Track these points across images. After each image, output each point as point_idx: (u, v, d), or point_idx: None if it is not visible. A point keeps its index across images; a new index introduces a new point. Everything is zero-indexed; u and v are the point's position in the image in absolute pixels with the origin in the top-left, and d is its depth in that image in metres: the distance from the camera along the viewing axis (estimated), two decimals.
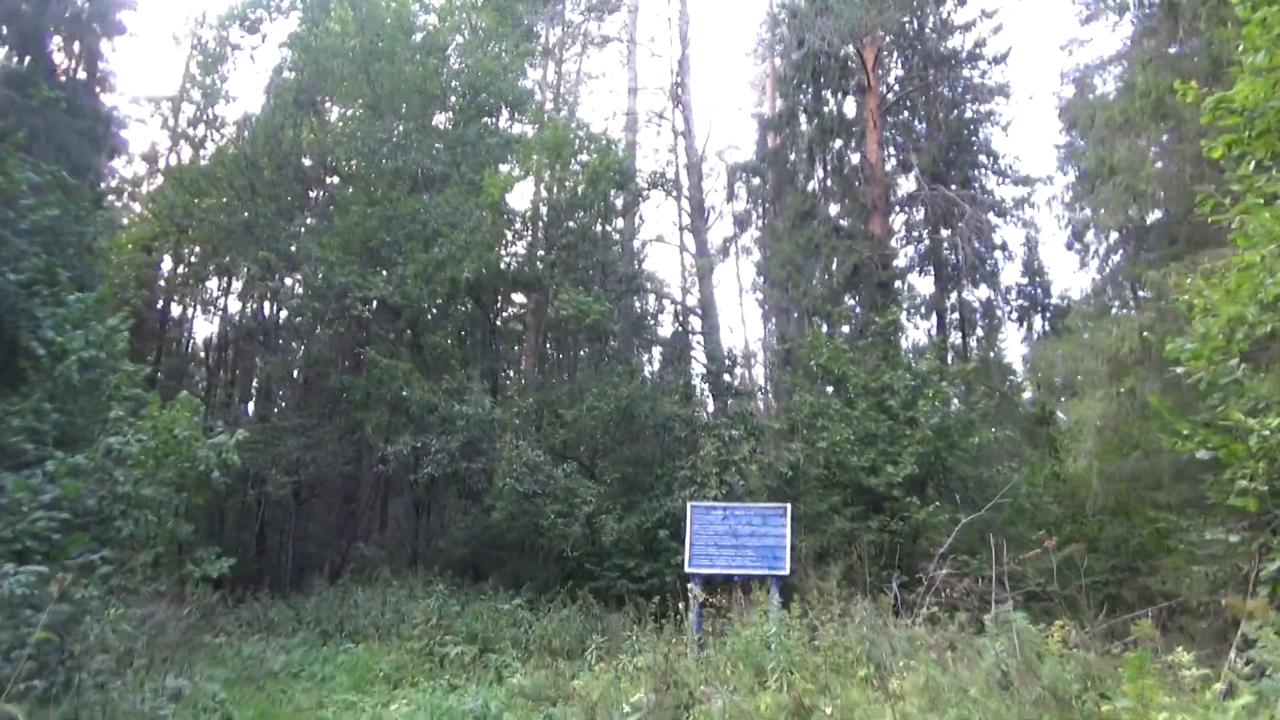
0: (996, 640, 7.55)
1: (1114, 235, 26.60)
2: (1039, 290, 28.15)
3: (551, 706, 8.13)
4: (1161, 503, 13.06)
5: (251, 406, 25.15)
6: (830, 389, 16.95)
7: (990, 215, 23.94)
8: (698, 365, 21.98)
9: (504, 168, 21.16)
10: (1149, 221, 10.42)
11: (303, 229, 21.23)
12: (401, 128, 21.13)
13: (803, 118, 23.96)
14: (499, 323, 22.93)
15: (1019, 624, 7.70)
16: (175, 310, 25.41)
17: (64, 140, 13.62)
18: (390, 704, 8.80)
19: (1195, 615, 10.63)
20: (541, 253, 21.21)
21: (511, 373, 23.16)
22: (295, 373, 22.43)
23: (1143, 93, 9.86)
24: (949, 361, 20.31)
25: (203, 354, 26.15)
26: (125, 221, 22.22)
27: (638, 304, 24.26)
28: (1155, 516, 12.54)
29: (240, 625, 13.59)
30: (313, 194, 23.62)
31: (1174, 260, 9.28)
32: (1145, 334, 8.56)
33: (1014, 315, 28.40)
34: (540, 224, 22.76)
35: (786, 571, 11.71)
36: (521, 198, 24.10)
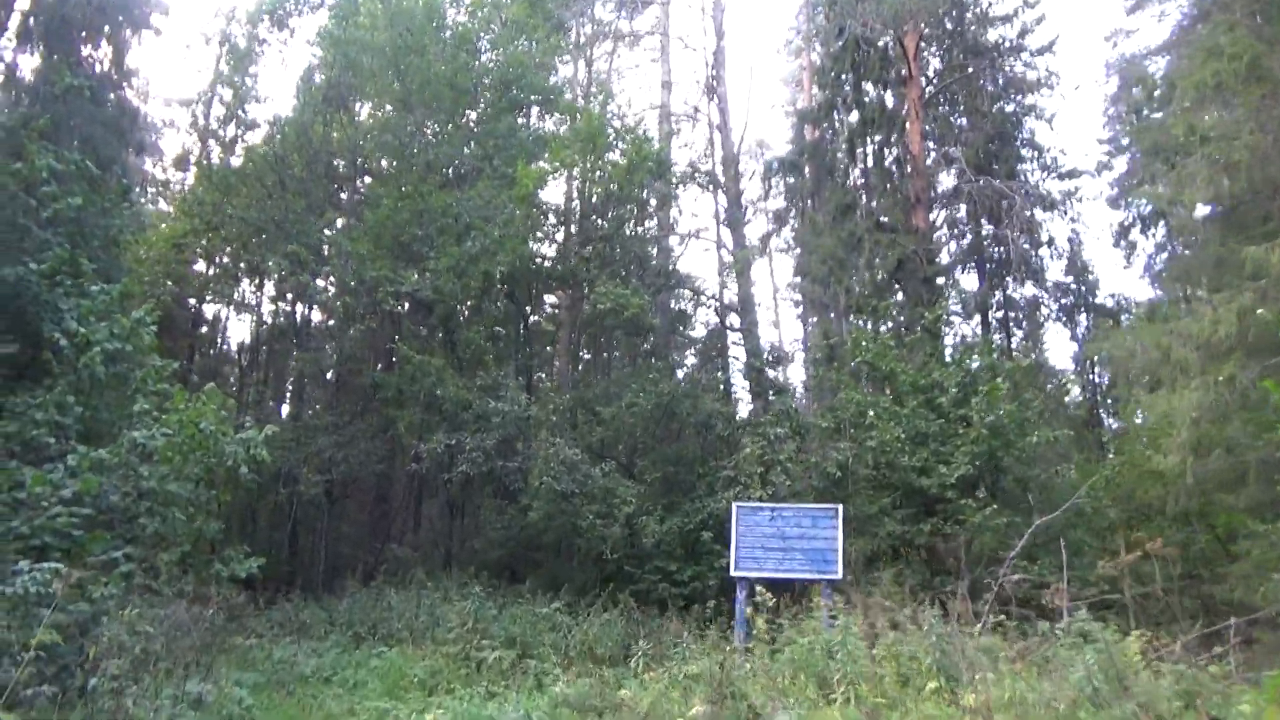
0: (1084, 652, 6.91)
1: (1163, 226, 25.94)
2: (1083, 288, 27.41)
3: (598, 717, 7.56)
4: (1231, 506, 12.25)
5: (285, 408, 24.94)
6: (870, 388, 16.28)
7: (1036, 210, 23.19)
8: (736, 364, 21.46)
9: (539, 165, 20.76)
10: (1238, 196, 9.65)
11: (332, 228, 20.97)
12: (432, 123, 20.79)
13: (842, 109, 23.28)
14: (532, 322, 22.46)
15: (1108, 635, 7.06)
16: (209, 312, 25.27)
17: (88, 131, 13.36)
18: (425, 712, 8.27)
19: (1272, 627, 9.88)
20: (576, 248, 20.76)
21: (544, 374, 22.73)
22: (328, 372, 22.14)
23: (1232, 55, 9.10)
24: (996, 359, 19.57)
25: (235, 354, 25.97)
26: (159, 223, 22.05)
27: (674, 302, 23.74)
28: (1235, 519, 11.75)
29: (272, 627, 13.20)
30: (344, 195, 23.36)
31: (1266, 239, 8.56)
32: (1259, 311, 7.81)
33: (1059, 315, 27.65)
34: (573, 220, 22.34)
35: (839, 575, 11.08)
36: (555, 194, 23.73)
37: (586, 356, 26.50)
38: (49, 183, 10.91)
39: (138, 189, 18.97)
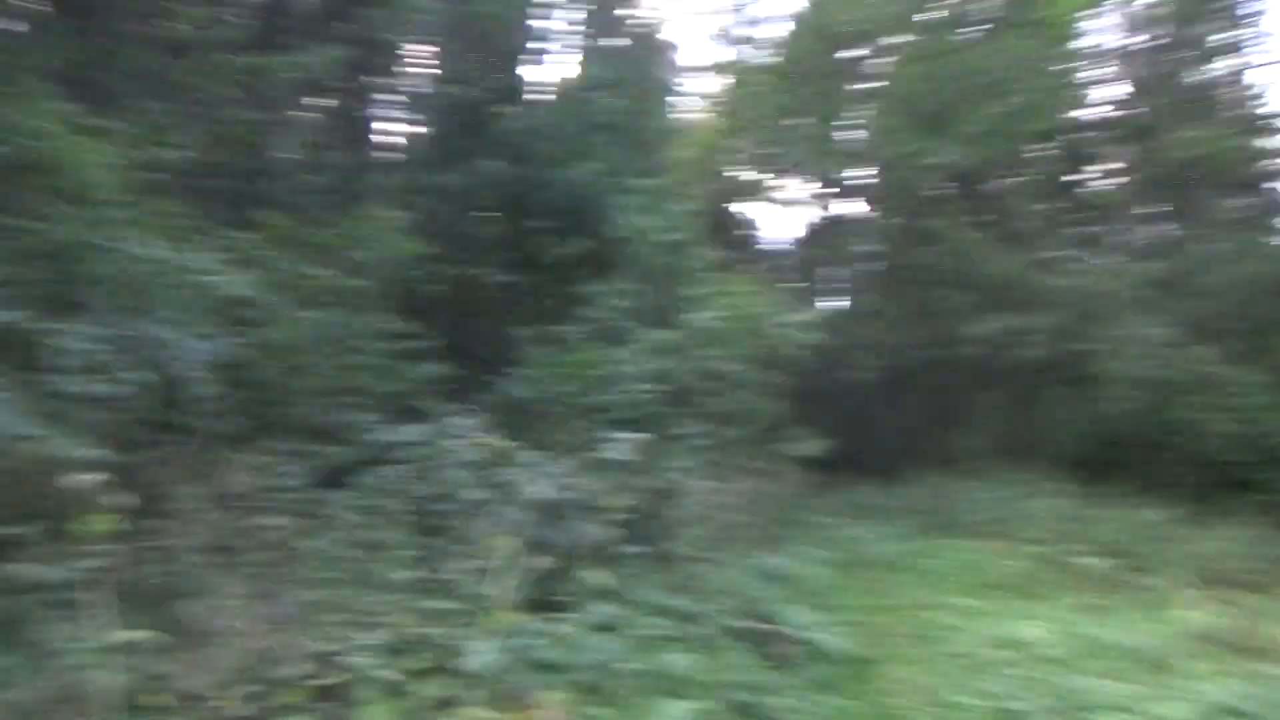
0: None
1: None
2: None
3: (1259, 662, 5.65)
4: None
5: (833, 300, 25.03)
6: None
7: None
8: None
9: None
10: None
11: (853, 109, 20.08)
12: None
13: None
14: (1090, 185, 19.20)
15: None
16: (750, 212, 26.17)
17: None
18: (1018, 619, 7.02)
19: None
20: (1141, 91, 17.07)
21: (1108, 244, 19.39)
22: (871, 260, 21.59)
23: None
24: None
25: (778, 252, 26.61)
26: (695, 130, 23.21)
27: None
28: None
29: (834, 508, 12.94)
30: (860, 79, 22.23)
31: None
32: None
33: None
34: (1133, 61, 18.40)
35: None
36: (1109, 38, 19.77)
37: (1151, 228, 22.13)
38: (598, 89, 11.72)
39: (672, 93, 20.01)
